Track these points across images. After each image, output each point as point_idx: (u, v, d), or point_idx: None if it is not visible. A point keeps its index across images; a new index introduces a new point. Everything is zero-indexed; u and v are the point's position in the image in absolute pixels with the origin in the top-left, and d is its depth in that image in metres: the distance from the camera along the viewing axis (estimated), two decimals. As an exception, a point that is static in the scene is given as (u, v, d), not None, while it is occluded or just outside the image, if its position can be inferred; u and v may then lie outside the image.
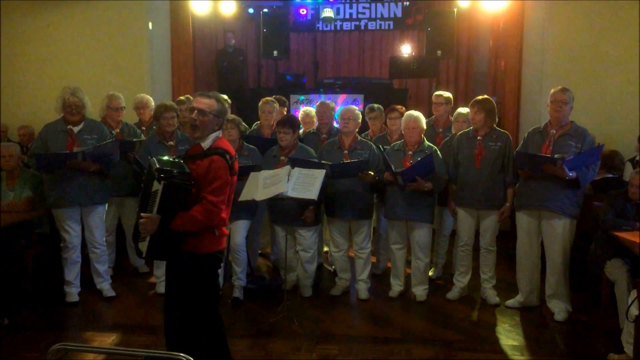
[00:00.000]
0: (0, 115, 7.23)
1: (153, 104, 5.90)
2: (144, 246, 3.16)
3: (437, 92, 5.91)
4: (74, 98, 4.82)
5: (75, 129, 4.88)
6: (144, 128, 5.82)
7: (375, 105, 5.98)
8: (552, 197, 4.55)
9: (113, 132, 5.38)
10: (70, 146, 4.82)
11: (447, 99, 5.77)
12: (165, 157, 3.26)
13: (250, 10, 9.58)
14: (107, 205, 5.29)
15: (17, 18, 7.52)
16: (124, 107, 5.60)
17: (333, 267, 5.61)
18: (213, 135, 3.22)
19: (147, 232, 3.08)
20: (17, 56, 7.56)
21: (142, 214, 3.07)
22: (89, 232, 5.08)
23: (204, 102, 3.18)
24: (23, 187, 5.06)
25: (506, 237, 5.93)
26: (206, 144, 3.20)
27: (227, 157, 3.15)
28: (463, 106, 5.51)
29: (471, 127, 5.02)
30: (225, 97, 6.01)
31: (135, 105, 5.88)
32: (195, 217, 3.05)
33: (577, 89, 5.06)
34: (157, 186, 3.02)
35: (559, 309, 4.71)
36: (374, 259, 5.52)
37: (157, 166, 3.03)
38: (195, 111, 3.15)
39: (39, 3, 7.46)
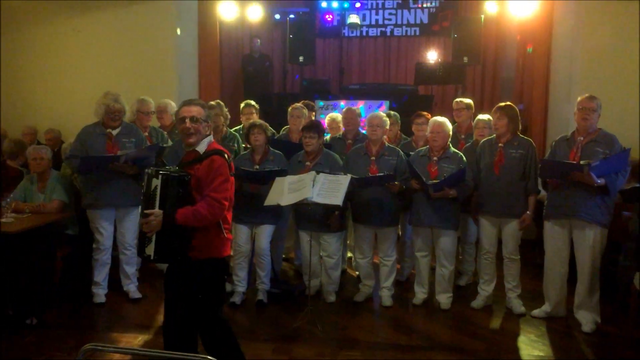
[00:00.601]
0: (25, 120, 7.38)
1: (174, 108, 5.97)
2: (150, 249, 3.15)
3: (458, 99, 5.91)
4: (118, 105, 4.93)
5: (114, 132, 4.98)
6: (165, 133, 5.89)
7: (391, 112, 5.99)
8: (583, 205, 4.48)
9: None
10: (110, 149, 4.92)
11: (468, 104, 5.75)
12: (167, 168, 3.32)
13: (277, 16, 9.65)
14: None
15: (49, 23, 7.69)
16: (154, 112, 5.69)
17: (357, 273, 5.61)
18: (207, 140, 3.29)
19: (152, 229, 3.09)
20: (49, 60, 7.72)
21: (145, 211, 3.11)
22: (121, 234, 5.16)
23: (194, 110, 3.26)
24: (53, 189, 5.16)
25: (532, 246, 5.87)
26: (201, 148, 3.26)
27: (225, 156, 3.22)
28: (489, 113, 5.48)
29: (494, 134, 4.99)
30: (252, 102, 6.14)
31: (156, 109, 5.96)
32: (198, 211, 3.10)
33: (606, 95, 5.00)
34: (155, 182, 3.10)
35: (587, 319, 4.64)
36: (398, 266, 5.50)
37: (155, 169, 3.15)
38: (188, 119, 3.23)
39: (69, 7, 7.61)
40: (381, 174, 4.90)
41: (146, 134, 5.56)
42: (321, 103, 8.22)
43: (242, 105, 6.18)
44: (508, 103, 4.98)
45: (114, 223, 5.13)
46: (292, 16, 8.88)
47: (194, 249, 3.18)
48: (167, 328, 3.32)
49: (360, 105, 7.93)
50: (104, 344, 2.74)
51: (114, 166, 4.84)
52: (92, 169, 4.91)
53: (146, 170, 3.22)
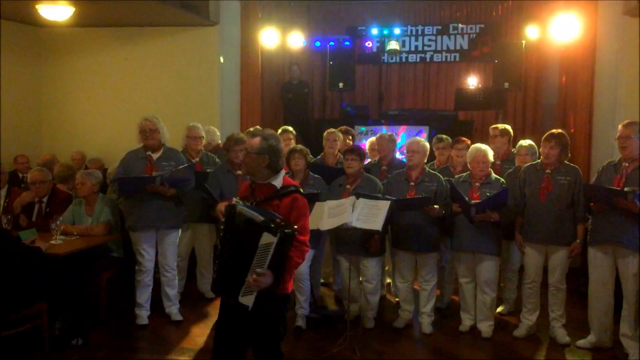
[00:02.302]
0: (71, 145, 7.63)
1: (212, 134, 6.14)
2: (249, 300, 2.97)
3: (493, 125, 5.92)
4: (147, 122, 5.08)
5: (154, 156, 5.12)
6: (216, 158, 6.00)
7: (444, 136, 5.99)
8: (626, 232, 4.37)
9: (193, 161, 5.60)
10: (149, 172, 5.05)
11: (503, 130, 5.73)
12: (244, 204, 3.11)
13: (317, 44, 9.80)
14: (180, 230, 5.47)
15: (96, 51, 7.99)
16: (203, 137, 5.83)
17: (396, 299, 5.57)
18: (282, 174, 3.20)
19: (259, 288, 2.94)
20: (94, 87, 8.02)
21: (257, 270, 2.91)
22: (162, 255, 5.26)
23: (248, 142, 3.20)
24: (100, 212, 5.31)
25: (576, 274, 5.73)
26: (277, 182, 3.18)
27: (303, 192, 3.16)
28: (530, 138, 5.43)
29: (538, 160, 4.93)
30: (290, 128, 6.23)
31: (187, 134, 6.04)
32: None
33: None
34: (269, 239, 2.88)
35: (634, 350, 4.48)
36: (437, 292, 5.44)
37: (263, 218, 2.92)
38: (247, 153, 3.20)
39: (115, 36, 7.90)
40: (419, 196, 4.89)
41: (197, 159, 5.69)
42: (363, 129, 8.27)
43: (279, 131, 6.27)
44: (560, 131, 4.91)
45: (155, 245, 5.24)
46: (332, 43, 9.02)
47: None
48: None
49: (401, 133, 7.97)
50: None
51: (151, 188, 4.96)
52: (130, 190, 5.04)
53: (238, 210, 3.02)
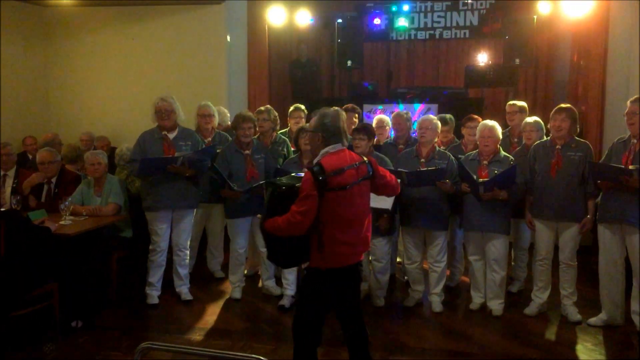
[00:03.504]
0: (80, 125, 7.61)
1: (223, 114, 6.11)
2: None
3: (511, 102, 5.80)
4: (163, 102, 5.07)
5: (171, 136, 5.11)
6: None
7: (447, 116, 5.89)
8: (633, 210, 4.33)
9: (205, 140, 5.59)
10: (166, 151, 5.05)
11: (522, 107, 5.63)
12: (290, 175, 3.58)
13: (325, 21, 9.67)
14: (195, 210, 5.47)
15: (104, 31, 7.93)
16: (214, 115, 5.76)
17: (406, 278, 5.56)
18: (323, 151, 3.35)
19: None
20: (101, 67, 7.96)
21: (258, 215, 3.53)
22: (177, 235, 5.28)
23: (310, 123, 3.51)
24: (109, 192, 5.31)
25: (589, 252, 5.69)
26: (316, 159, 3.36)
27: (316, 170, 3.20)
28: (541, 115, 5.35)
29: (547, 137, 4.87)
30: (302, 106, 6.15)
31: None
32: (277, 222, 3.26)
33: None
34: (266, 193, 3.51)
35: (645, 328, 4.47)
36: (447, 272, 5.43)
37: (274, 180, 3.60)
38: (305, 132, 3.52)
39: (122, 14, 7.83)
40: (432, 168, 4.85)
41: (209, 139, 5.66)
42: (380, 107, 8.20)
43: (290, 109, 6.22)
44: (569, 105, 4.86)
45: (170, 225, 5.23)
46: (340, 21, 8.90)
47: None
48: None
49: (419, 113, 7.88)
50: (160, 343, 2.80)
51: (172, 168, 4.96)
52: (151, 171, 5.04)
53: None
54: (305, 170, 3.28)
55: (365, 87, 8.86)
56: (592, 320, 4.78)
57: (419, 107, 8.07)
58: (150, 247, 5.23)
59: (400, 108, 7.77)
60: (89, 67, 8.00)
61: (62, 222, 4.83)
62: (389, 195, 4.00)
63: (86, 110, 8.01)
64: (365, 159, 3.45)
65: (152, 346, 2.34)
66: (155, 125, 5.16)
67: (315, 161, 3.33)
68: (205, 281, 5.92)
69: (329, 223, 3.25)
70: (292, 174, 3.54)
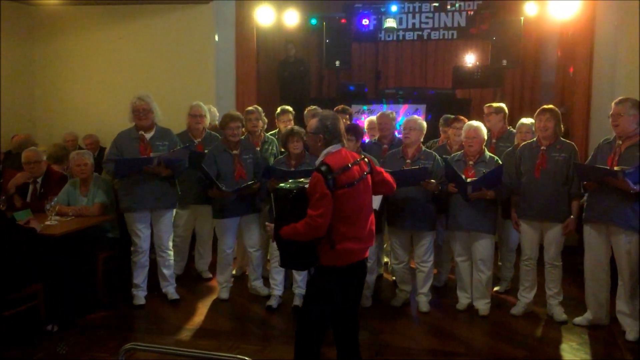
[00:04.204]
0: (66, 125, 7.55)
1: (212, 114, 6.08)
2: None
3: (487, 104, 5.87)
4: (141, 102, 5.03)
5: (147, 136, 5.08)
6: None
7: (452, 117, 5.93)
8: (619, 211, 4.38)
9: (195, 141, 5.56)
10: (143, 152, 5.01)
11: (497, 108, 5.69)
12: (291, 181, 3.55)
13: (313, 21, 9.67)
14: (175, 211, 5.44)
15: (90, 30, 7.88)
16: (204, 115, 5.71)
17: (393, 277, 5.57)
18: (325, 151, 3.37)
19: (270, 233, 3.49)
20: (87, 66, 7.92)
21: (266, 222, 3.57)
22: (158, 236, 5.25)
23: (309, 124, 3.47)
24: (95, 193, 5.28)
25: (575, 252, 5.73)
26: (318, 161, 3.37)
27: (323, 169, 3.21)
28: (528, 116, 5.40)
29: (534, 138, 4.90)
30: (289, 108, 6.15)
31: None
32: (296, 228, 3.23)
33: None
34: (273, 197, 3.43)
35: (630, 327, 4.51)
36: (435, 271, 5.44)
37: (280, 183, 3.53)
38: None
39: (108, 14, 7.79)
40: (416, 167, 4.87)
41: (199, 139, 5.63)
42: (365, 107, 8.21)
43: (278, 111, 6.21)
44: (551, 106, 4.90)
45: (150, 226, 5.21)
46: (328, 21, 8.90)
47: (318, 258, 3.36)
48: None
49: (403, 111, 7.89)
50: (145, 344, 2.78)
51: (148, 168, 4.93)
52: (127, 171, 5.01)
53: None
54: (315, 172, 3.25)
55: (350, 90, 8.86)
56: (578, 319, 4.82)
57: (402, 107, 8.08)
58: (132, 248, 5.21)
59: (384, 108, 7.78)
60: (76, 66, 7.95)
61: (47, 223, 4.79)
62: (385, 194, 4.06)
63: (73, 109, 7.96)
64: (363, 156, 3.57)
65: (136, 347, 2.33)
66: (132, 125, 5.12)
67: (318, 162, 3.34)
68: (193, 281, 5.90)
69: (339, 220, 3.28)
70: (291, 180, 3.54)
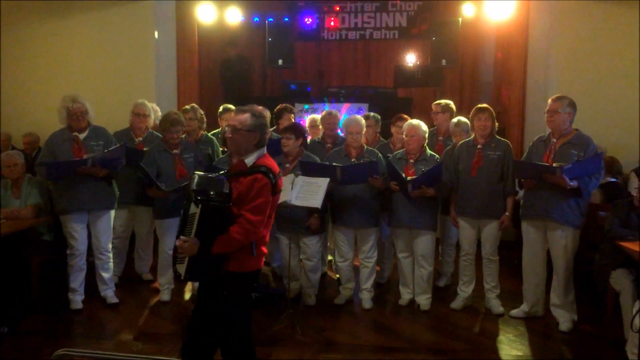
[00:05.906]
0: (1, 124, 7.25)
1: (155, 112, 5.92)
2: (181, 268, 3.09)
3: (436, 102, 5.95)
4: (77, 104, 4.87)
5: (81, 136, 4.92)
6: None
7: (371, 114, 5.98)
8: (555, 207, 4.52)
9: (136, 140, 5.42)
10: (77, 153, 4.85)
11: (445, 106, 5.79)
12: (203, 174, 3.12)
13: (256, 19, 9.61)
14: (114, 211, 5.28)
15: (23, 25, 7.56)
16: (148, 115, 5.55)
17: (337, 275, 5.60)
18: (257, 152, 3.14)
19: (186, 254, 3.04)
20: (21, 63, 7.58)
21: (181, 237, 3.04)
22: (96, 238, 5.09)
23: (237, 118, 3.11)
24: (28, 195, 5.09)
25: (512, 247, 5.92)
26: (249, 160, 3.12)
27: (271, 175, 3.06)
28: (467, 115, 5.51)
29: (471, 137, 5.02)
30: (230, 106, 6.07)
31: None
32: (234, 238, 2.98)
33: (582, 97, 5.07)
34: (194, 209, 3.02)
35: (564, 318, 4.68)
36: (377, 268, 5.51)
37: (194, 187, 2.99)
38: (228, 128, 3.14)
39: (44, 9, 7.50)
40: (366, 160, 4.91)
41: (140, 138, 5.48)
42: (306, 106, 8.21)
43: (220, 109, 6.14)
44: (486, 105, 5.03)
45: (87, 228, 5.06)
46: (270, 19, 8.86)
47: (226, 264, 3.08)
48: (190, 335, 3.20)
49: (344, 110, 7.94)
50: (77, 349, 2.70)
51: (82, 170, 4.77)
52: (59, 174, 4.83)
53: (191, 178, 3.07)
54: (259, 175, 3.02)
55: (293, 89, 8.85)
56: (514, 312, 4.97)
57: (343, 106, 8.14)
58: (68, 251, 5.02)
59: (326, 107, 7.81)
60: (9, 63, 7.60)
61: (-23, 227, 4.59)
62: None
63: (7, 107, 7.61)
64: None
65: (69, 352, 2.25)
66: (65, 126, 4.96)
67: (252, 162, 3.11)
68: (133, 284, 5.76)
69: (265, 226, 3.16)
70: (199, 174, 3.10)
